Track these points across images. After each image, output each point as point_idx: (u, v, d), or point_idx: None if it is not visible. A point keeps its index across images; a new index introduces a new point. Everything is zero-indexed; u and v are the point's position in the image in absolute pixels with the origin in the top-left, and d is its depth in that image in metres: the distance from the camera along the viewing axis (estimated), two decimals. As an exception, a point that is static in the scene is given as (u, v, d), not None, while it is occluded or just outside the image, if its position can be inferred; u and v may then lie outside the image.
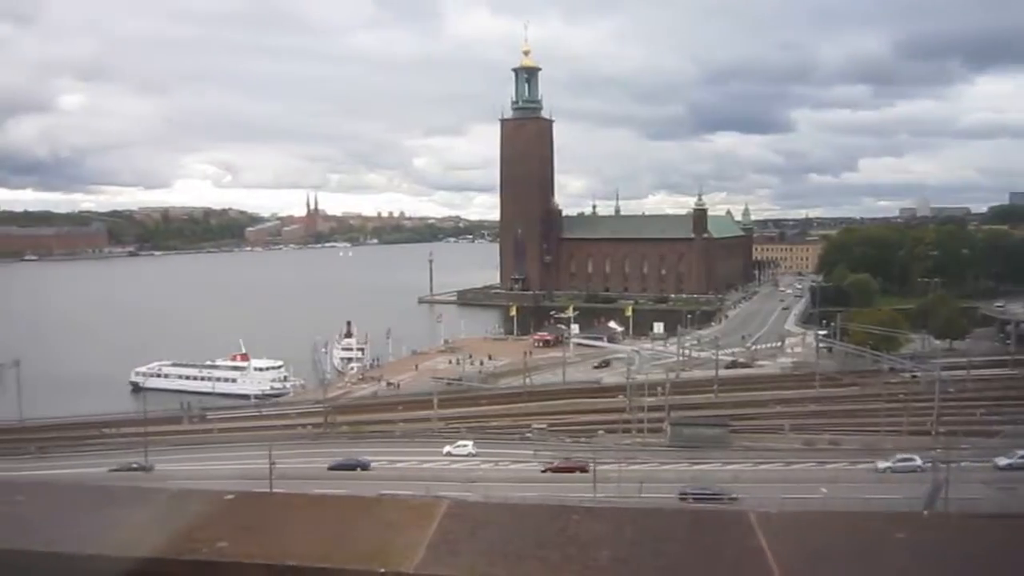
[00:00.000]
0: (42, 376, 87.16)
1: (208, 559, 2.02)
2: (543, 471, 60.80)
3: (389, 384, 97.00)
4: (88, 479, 48.29)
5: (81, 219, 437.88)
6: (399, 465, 62.92)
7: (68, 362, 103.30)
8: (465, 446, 67.55)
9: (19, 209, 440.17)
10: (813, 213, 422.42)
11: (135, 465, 63.73)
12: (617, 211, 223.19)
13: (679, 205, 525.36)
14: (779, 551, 1.94)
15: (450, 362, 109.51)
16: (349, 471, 60.45)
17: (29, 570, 2.07)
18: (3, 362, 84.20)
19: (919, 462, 54.78)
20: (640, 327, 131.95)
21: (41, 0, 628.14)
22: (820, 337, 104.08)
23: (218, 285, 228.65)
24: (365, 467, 62.28)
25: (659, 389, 76.83)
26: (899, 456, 57.27)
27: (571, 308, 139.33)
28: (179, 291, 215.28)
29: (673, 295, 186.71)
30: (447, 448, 67.55)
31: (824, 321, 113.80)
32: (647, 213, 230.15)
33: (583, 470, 57.77)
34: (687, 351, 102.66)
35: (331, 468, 61.06)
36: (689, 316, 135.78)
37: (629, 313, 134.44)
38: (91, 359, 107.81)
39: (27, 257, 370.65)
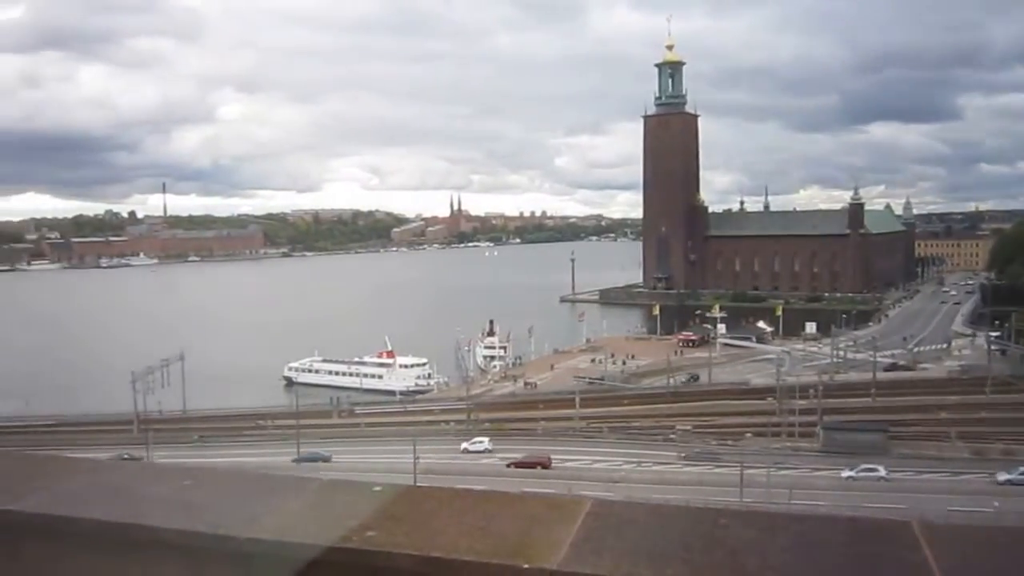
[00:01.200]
0: (203, 369, 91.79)
1: (358, 547, 2.09)
2: (507, 466, 61.11)
3: (527, 384, 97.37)
4: (247, 467, 50.37)
5: (239, 222, 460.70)
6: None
7: (227, 357, 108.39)
8: (481, 442, 68.99)
9: (184, 214, 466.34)
10: (984, 206, 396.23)
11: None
12: (766, 207, 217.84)
13: (832, 200, 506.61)
14: (946, 567, 1.84)
15: (592, 361, 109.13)
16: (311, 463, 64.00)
17: (195, 549, 2.21)
18: (168, 356, 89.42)
19: None
20: (791, 327, 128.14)
21: (202, 18, 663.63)
22: (992, 339, 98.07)
23: (365, 284, 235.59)
24: (326, 459, 65.22)
25: (811, 392, 74.30)
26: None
27: (717, 307, 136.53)
28: (328, 290, 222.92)
29: (827, 294, 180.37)
30: (464, 445, 69.07)
31: (997, 321, 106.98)
32: (798, 208, 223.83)
33: (544, 466, 60.05)
34: (842, 352, 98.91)
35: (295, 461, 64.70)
36: (844, 316, 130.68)
37: (779, 312, 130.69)
38: (248, 354, 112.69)
39: (190, 258, 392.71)
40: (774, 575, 1.88)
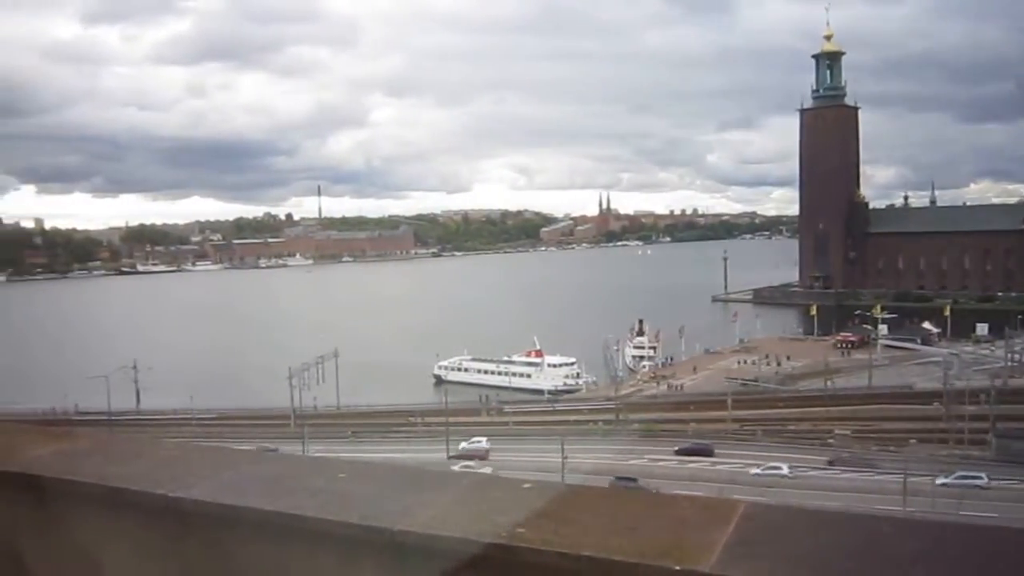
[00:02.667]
0: (357, 367, 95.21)
1: (507, 543, 2.11)
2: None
3: (671, 386, 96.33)
4: (398, 463, 52.06)
5: (391, 223, 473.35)
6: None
7: (379, 354, 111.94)
8: (479, 442, 69.48)
9: (338, 215, 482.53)
10: None
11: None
12: (932, 202, 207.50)
13: (1007, 193, 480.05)
14: None
15: (744, 362, 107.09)
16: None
17: (348, 540, 2.29)
18: (323, 354, 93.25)
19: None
20: (960, 328, 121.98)
21: (357, 24, 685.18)
22: None
23: (514, 283, 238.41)
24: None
25: (982, 397, 70.70)
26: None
27: (879, 307, 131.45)
28: (477, 289, 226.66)
29: (1000, 293, 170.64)
30: (462, 444, 69.35)
31: None
32: (968, 203, 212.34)
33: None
34: (1017, 356, 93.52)
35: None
36: (1020, 317, 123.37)
37: (947, 313, 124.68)
38: (399, 352, 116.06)
39: (344, 259, 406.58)
40: None
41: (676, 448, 67.02)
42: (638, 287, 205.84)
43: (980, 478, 55.95)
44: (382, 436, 79.26)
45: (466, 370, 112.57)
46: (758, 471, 60.76)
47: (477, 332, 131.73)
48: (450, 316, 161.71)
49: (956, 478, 55.55)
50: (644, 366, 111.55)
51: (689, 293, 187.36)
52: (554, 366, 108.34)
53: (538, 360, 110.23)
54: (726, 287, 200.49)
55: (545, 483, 2.52)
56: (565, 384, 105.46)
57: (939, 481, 54.53)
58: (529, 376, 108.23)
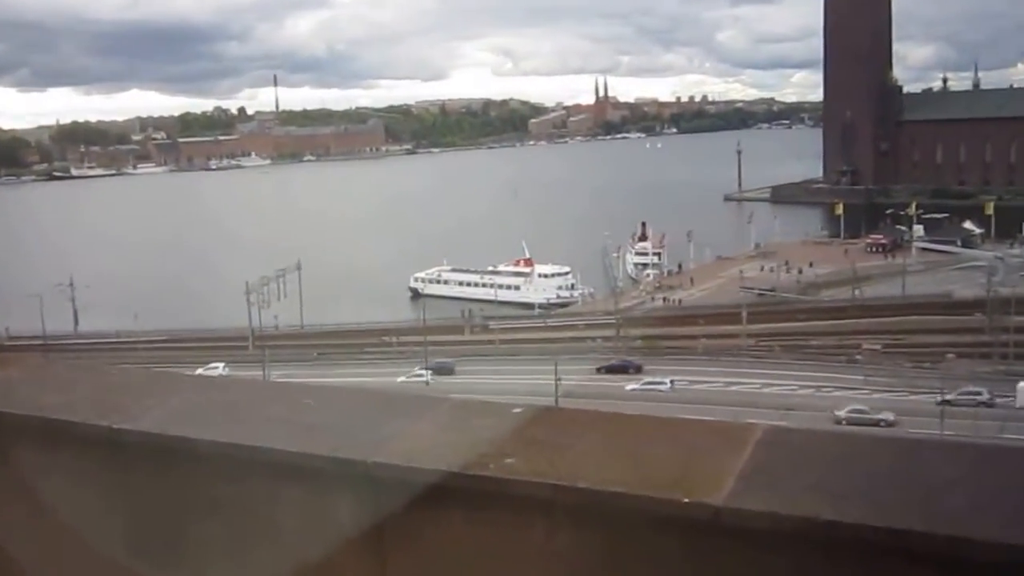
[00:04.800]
0: (322, 280, 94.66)
1: (495, 475, 2.12)
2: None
3: (665, 300, 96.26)
4: (373, 387, 51.91)
5: (357, 116, 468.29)
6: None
7: (347, 266, 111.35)
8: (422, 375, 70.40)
9: (298, 108, 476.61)
10: None
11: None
12: (975, 85, 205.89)
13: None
14: None
15: (762, 269, 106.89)
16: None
17: (317, 473, 2.30)
18: (284, 266, 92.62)
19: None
20: (1005, 228, 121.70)
21: None
22: None
23: (499, 183, 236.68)
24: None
25: (1030, 305, 70.78)
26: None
27: (913, 205, 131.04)
28: (457, 190, 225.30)
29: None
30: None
31: None
32: (1015, 85, 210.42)
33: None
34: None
35: None
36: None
37: (990, 211, 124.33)
38: (370, 263, 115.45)
39: (306, 158, 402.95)
40: (982, 518, 1.78)
41: (597, 367, 70.08)
42: (640, 185, 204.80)
43: (980, 394, 58.35)
44: (352, 358, 79.29)
45: (446, 282, 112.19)
46: (635, 386, 64.07)
47: (458, 239, 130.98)
48: (427, 221, 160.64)
49: (960, 394, 57.64)
50: (648, 275, 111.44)
51: (698, 191, 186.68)
52: (545, 276, 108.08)
53: (527, 270, 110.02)
54: (740, 184, 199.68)
55: (537, 407, 2.48)
56: (558, 296, 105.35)
57: (939, 400, 56.36)
58: (517, 288, 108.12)
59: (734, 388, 63.23)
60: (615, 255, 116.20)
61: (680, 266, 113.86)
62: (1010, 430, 48.92)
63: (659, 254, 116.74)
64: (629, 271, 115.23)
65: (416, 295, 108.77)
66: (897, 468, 1.99)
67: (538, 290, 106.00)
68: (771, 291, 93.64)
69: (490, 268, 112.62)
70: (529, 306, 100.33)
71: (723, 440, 2.14)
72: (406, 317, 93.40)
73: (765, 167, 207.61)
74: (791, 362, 69.84)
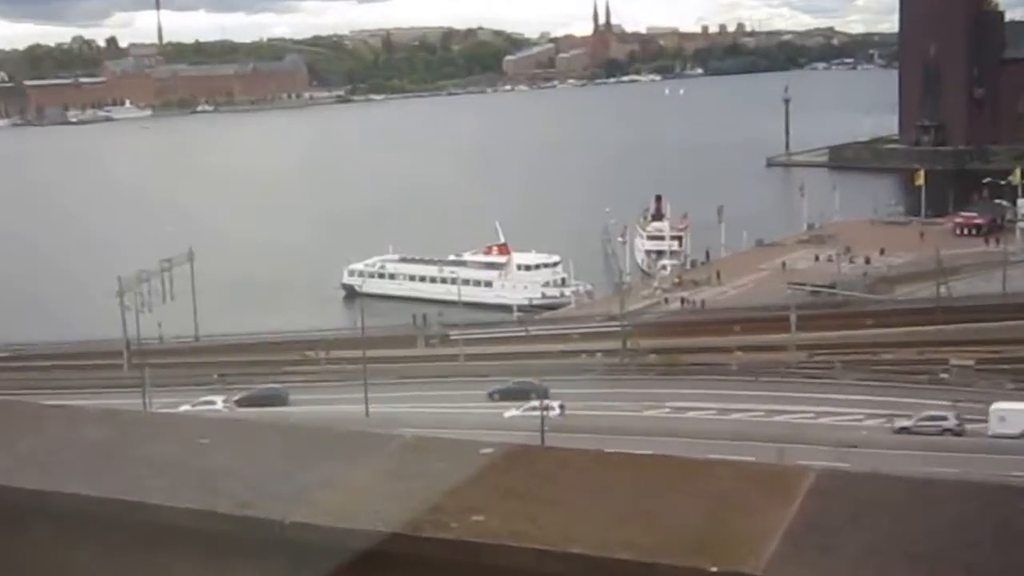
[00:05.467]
0: (223, 275, 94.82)
1: (459, 538, 2.08)
2: None
3: (685, 302, 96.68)
4: (292, 420, 52.19)
5: (271, 51, 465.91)
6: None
7: (257, 256, 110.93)
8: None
9: (189, 40, 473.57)
10: None
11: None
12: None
13: None
14: None
15: (816, 259, 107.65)
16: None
17: (218, 538, 2.28)
18: (170, 256, 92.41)
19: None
20: None
21: None
22: None
23: (464, 144, 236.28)
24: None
25: None
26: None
27: (1018, 172, 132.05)
28: (407, 154, 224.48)
29: None
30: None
31: None
32: None
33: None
34: None
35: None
36: None
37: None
38: (289, 252, 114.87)
39: (201, 108, 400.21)
40: None
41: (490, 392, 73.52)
42: (654, 145, 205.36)
43: (945, 419, 61.79)
44: (266, 381, 79.40)
45: (392, 277, 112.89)
46: (516, 412, 65.48)
47: (408, 219, 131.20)
48: (367, 195, 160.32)
49: (921, 420, 61.46)
50: (664, 267, 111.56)
51: (732, 154, 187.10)
52: (527, 268, 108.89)
53: (502, 260, 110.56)
54: (788, 144, 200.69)
55: (515, 447, 2.47)
56: (544, 296, 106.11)
57: (898, 425, 61.50)
58: (489, 284, 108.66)
59: (779, 419, 63.89)
60: (620, 240, 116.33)
61: (707, 255, 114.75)
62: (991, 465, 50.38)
63: (679, 238, 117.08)
64: (639, 261, 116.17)
65: (352, 293, 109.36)
66: (990, 522, 1.97)
67: (517, 287, 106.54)
68: (829, 288, 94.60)
69: (452, 257, 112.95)
70: (505, 309, 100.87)
71: (764, 488, 2.17)
72: (338, 324, 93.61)
73: (821, 121, 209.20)
74: (855, 383, 70.51)
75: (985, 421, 60.89)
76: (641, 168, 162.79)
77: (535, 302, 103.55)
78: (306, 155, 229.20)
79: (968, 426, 61.36)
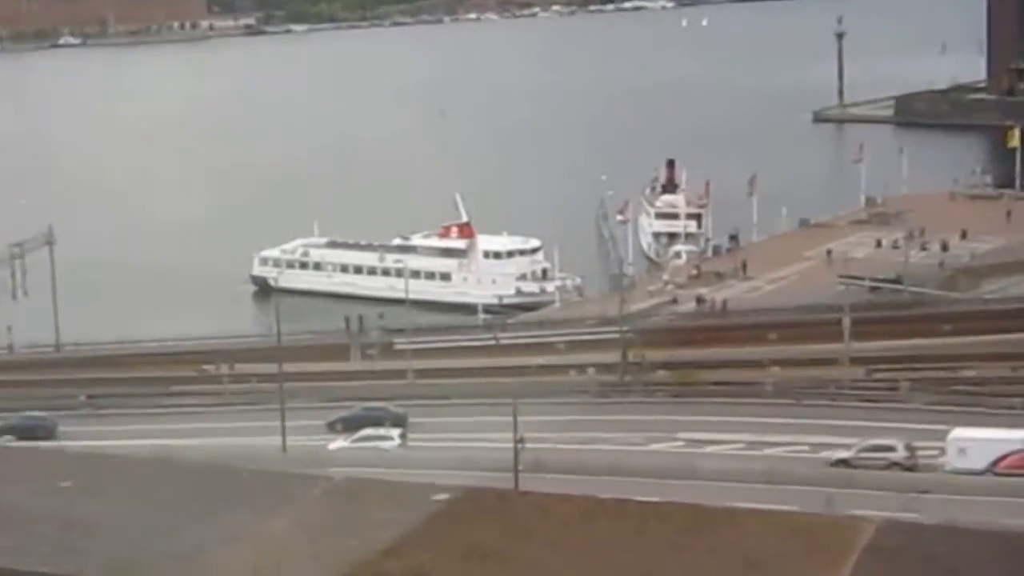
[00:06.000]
0: (93, 264, 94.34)
1: None
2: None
3: (700, 302, 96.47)
4: (186, 456, 52.21)
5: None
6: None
7: (138, 239, 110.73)
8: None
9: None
10: None
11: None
12: None
13: None
14: None
15: (878, 244, 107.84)
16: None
17: None
18: (23, 239, 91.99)
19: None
20: None
21: None
22: None
23: (414, 90, 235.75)
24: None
25: None
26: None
27: None
28: (340, 103, 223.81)
29: None
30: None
31: None
32: None
33: None
34: None
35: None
36: None
37: None
38: (179, 234, 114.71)
39: (62, 41, 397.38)
40: None
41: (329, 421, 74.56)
42: (665, 94, 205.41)
43: (892, 449, 63.25)
44: (150, 404, 79.57)
45: (318, 266, 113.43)
46: (343, 443, 67.64)
47: (340, 190, 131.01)
48: (284, 158, 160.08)
49: (862, 451, 62.88)
50: (678, 253, 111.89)
51: (768, 105, 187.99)
52: (497, 256, 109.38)
53: (463, 244, 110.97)
54: (841, 93, 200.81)
55: (477, 491, 2.41)
56: (519, 293, 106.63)
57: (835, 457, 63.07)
58: (447, 277, 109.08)
59: (827, 454, 63.94)
60: (620, 219, 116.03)
61: (735, 238, 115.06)
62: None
63: (697, 217, 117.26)
64: (646, 247, 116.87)
65: (264, 288, 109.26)
66: None
67: (484, 281, 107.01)
68: (893, 283, 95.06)
69: (398, 241, 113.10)
70: (468, 310, 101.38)
71: (806, 545, 2.16)
72: (246, 330, 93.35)
73: (884, 62, 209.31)
74: (928, 408, 70.53)
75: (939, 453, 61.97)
76: (648, 124, 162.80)
77: (507, 301, 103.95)
78: (202, 105, 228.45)
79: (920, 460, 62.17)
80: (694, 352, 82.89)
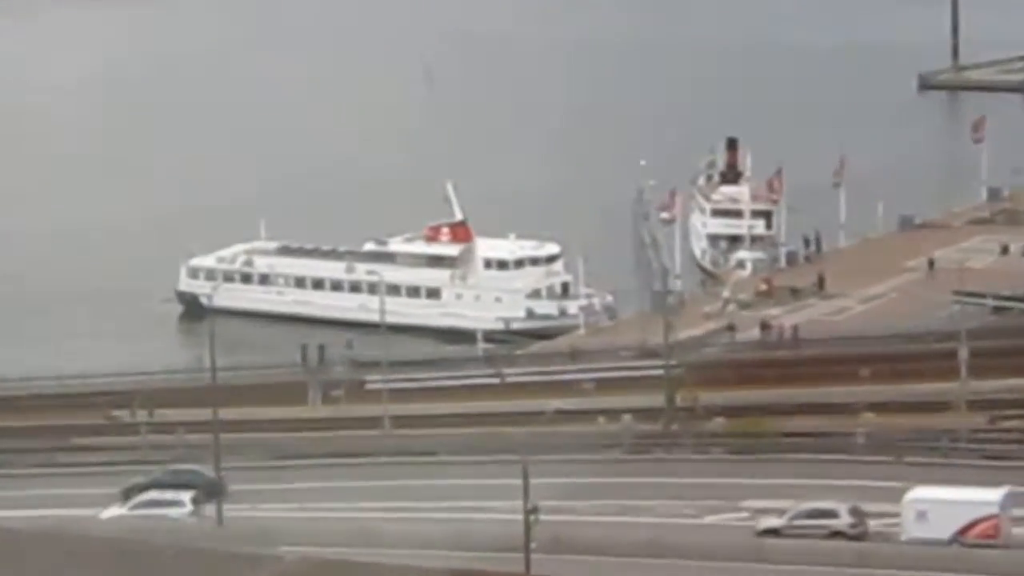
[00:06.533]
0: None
1: None
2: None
3: (766, 328, 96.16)
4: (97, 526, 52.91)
5: None
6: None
7: (33, 247, 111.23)
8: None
9: None
10: None
11: None
12: None
13: None
14: None
15: (1004, 251, 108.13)
16: None
17: None
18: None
19: None
20: None
21: None
22: None
23: (391, 47, 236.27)
24: None
25: None
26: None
27: None
28: (292, 55, 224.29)
29: None
30: None
31: None
32: None
33: None
34: None
35: None
36: None
37: None
38: (89, 236, 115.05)
39: None
40: None
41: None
42: (724, 51, 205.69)
43: (834, 514, 62.52)
44: (46, 461, 79.71)
45: (264, 279, 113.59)
46: (119, 510, 67.80)
47: (293, 178, 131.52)
48: (219, 134, 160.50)
49: (796, 517, 62.14)
50: (742, 262, 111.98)
51: (860, 68, 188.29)
52: (502, 266, 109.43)
53: (455, 251, 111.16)
54: (956, 51, 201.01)
55: (469, 573, 2.40)
56: (532, 315, 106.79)
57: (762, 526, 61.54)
58: (436, 294, 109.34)
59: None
60: (665, 216, 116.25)
61: (815, 242, 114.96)
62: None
63: (767, 214, 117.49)
64: (699, 254, 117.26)
65: (194, 308, 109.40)
66: None
67: (485, 299, 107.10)
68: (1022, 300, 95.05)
69: (370, 246, 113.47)
70: (464, 336, 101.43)
71: None
72: (170, 363, 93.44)
73: (1013, 10, 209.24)
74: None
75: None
76: (700, 90, 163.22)
77: (516, 326, 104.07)
78: (109, 65, 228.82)
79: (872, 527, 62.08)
80: (762, 393, 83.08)
